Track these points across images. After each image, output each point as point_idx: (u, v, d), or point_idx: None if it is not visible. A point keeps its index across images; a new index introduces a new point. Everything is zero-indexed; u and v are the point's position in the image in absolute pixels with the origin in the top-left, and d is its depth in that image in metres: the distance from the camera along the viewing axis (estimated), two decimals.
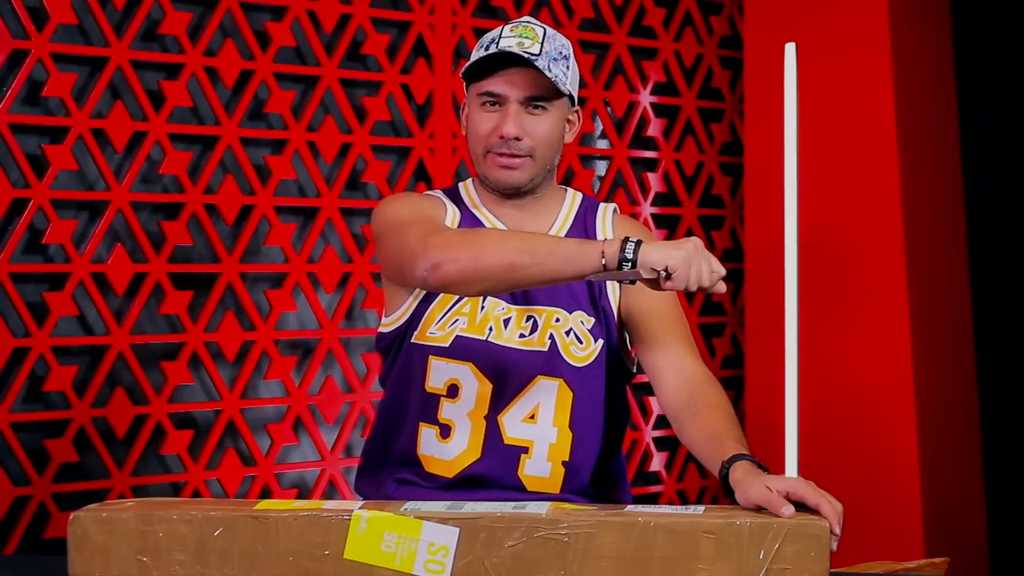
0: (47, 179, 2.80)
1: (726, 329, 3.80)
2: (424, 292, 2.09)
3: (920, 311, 3.36)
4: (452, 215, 2.14)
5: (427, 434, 2.07)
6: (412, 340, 2.09)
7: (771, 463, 1.80)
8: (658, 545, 1.66)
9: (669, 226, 3.72)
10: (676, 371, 2.06)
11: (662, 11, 3.72)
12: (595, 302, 2.10)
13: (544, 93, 2.06)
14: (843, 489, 3.07)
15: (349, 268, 3.20)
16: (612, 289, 2.12)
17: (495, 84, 2.05)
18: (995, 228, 3.59)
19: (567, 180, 3.53)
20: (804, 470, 1.79)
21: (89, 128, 2.86)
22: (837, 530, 1.67)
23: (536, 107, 2.06)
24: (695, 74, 3.78)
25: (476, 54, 2.08)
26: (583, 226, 2.16)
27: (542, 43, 2.06)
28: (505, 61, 2.04)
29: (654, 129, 3.71)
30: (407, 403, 2.09)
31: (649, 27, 3.72)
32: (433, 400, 2.07)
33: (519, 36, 2.06)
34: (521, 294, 2.08)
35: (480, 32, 3.39)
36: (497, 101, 2.06)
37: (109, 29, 2.89)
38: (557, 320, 2.09)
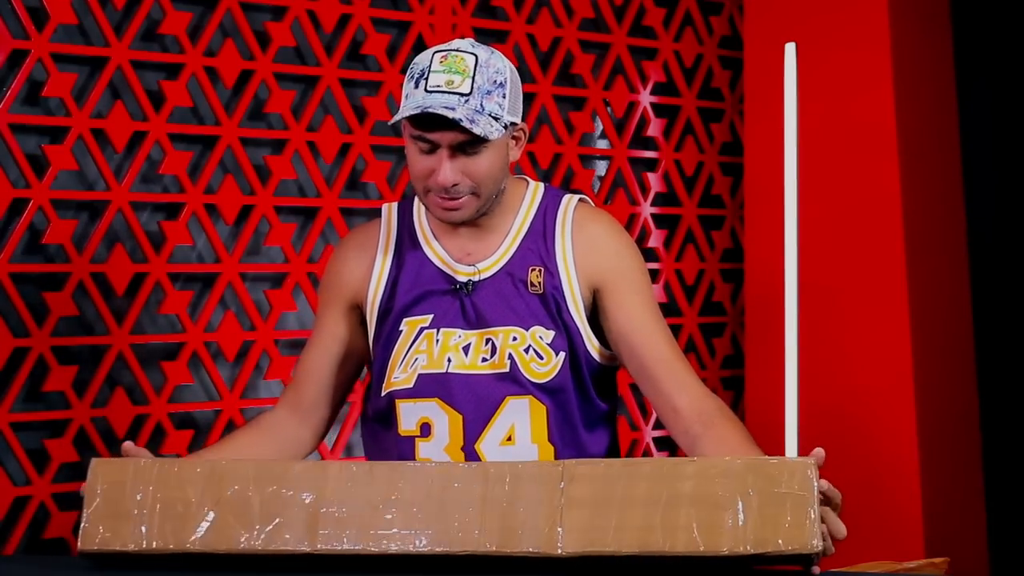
0: (47, 179, 2.80)
1: (726, 329, 3.80)
2: (375, 341, 2.12)
3: (920, 311, 3.36)
4: (380, 257, 2.14)
5: None
6: (381, 393, 2.09)
7: None
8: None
9: (669, 226, 3.72)
10: (681, 396, 2.03)
11: (662, 11, 3.72)
12: (555, 316, 2.07)
13: (479, 137, 1.99)
14: (843, 489, 3.07)
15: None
16: (576, 306, 2.09)
17: (428, 132, 1.99)
18: (995, 228, 3.59)
19: (567, 180, 3.53)
20: None
21: (89, 128, 2.86)
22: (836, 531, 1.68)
23: (471, 150, 2.00)
24: (695, 74, 3.78)
25: (406, 87, 2.02)
26: (542, 226, 2.12)
27: (473, 77, 1.98)
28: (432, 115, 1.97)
29: (654, 129, 3.71)
30: (393, 446, 2.08)
31: (649, 27, 3.72)
32: (408, 443, 2.06)
33: (448, 71, 1.98)
34: (475, 317, 2.07)
35: (480, 32, 3.39)
36: (430, 148, 2.00)
37: (109, 29, 2.89)
38: (514, 339, 2.06)
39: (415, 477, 1.70)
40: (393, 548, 1.67)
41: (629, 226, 3.60)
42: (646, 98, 3.69)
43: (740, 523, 1.60)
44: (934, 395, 3.36)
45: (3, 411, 2.74)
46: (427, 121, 1.98)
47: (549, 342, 2.06)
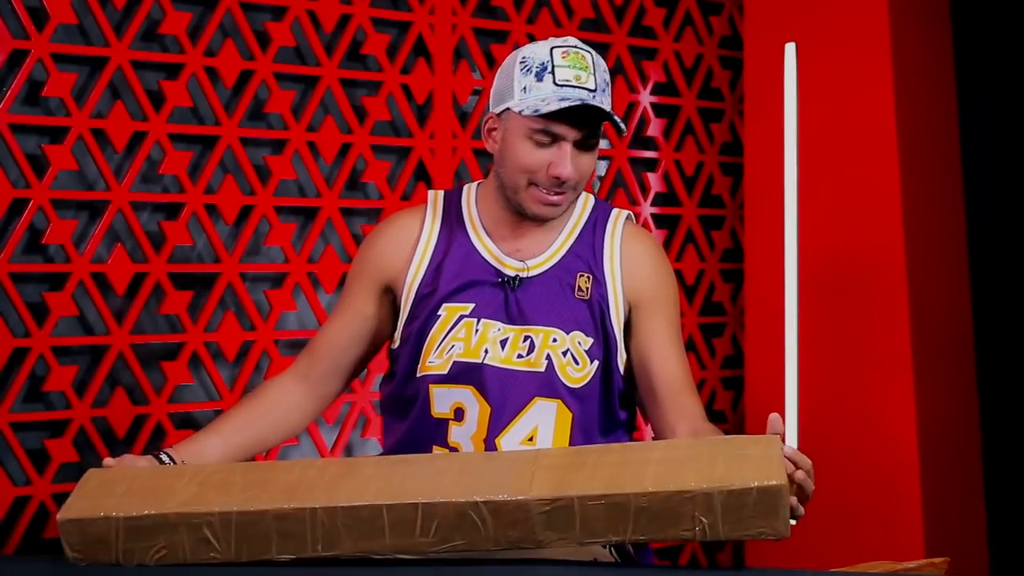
0: (47, 179, 2.80)
1: (726, 329, 3.80)
2: (408, 322, 2.13)
3: (920, 311, 3.36)
4: (424, 241, 2.14)
5: None
6: (417, 374, 2.10)
7: None
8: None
9: (669, 226, 3.72)
10: (681, 422, 2.06)
11: (662, 11, 3.72)
12: (597, 325, 2.09)
13: (597, 132, 2.04)
14: (843, 489, 3.07)
15: (349, 268, 3.19)
16: (617, 317, 2.11)
17: (556, 126, 2.01)
18: (995, 228, 3.59)
19: None
20: None
21: (89, 128, 2.86)
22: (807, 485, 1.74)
23: (587, 145, 2.05)
24: (695, 74, 3.78)
25: (522, 79, 2.02)
26: (591, 235, 2.15)
27: (594, 73, 2.02)
28: (576, 108, 1.99)
29: (654, 129, 3.71)
30: (419, 428, 2.10)
31: (649, 27, 3.71)
32: (443, 424, 2.08)
33: (574, 67, 2.00)
34: (518, 313, 2.08)
35: (480, 32, 3.39)
36: (553, 141, 2.03)
37: (109, 29, 2.88)
38: (554, 340, 2.08)
39: (393, 459, 1.85)
40: (365, 500, 1.74)
41: None
42: (646, 98, 3.69)
43: (706, 468, 1.68)
44: (934, 395, 3.36)
45: (3, 411, 2.74)
46: (562, 114, 1.99)
47: (587, 349, 2.08)
